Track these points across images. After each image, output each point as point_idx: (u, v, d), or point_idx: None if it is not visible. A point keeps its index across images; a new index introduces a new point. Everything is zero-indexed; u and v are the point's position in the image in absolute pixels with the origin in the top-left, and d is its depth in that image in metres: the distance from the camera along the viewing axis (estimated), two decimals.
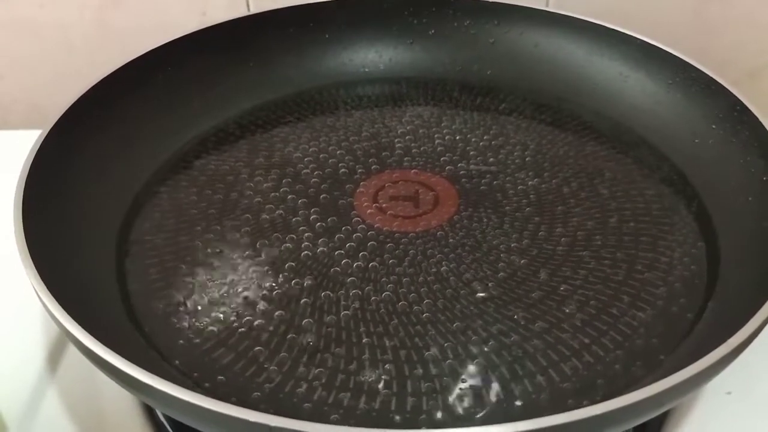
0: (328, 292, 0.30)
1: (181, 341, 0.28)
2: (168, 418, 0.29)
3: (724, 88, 0.36)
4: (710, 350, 0.23)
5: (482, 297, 0.30)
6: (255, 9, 0.48)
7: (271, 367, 0.27)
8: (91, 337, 0.23)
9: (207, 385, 0.26)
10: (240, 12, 0.48)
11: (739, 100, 0.35)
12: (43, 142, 0.32)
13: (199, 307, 0.29)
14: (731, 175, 0.34)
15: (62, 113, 0.34)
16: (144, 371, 0.22)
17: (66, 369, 0.32)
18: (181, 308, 0.29)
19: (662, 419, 0.30)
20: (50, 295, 0.25)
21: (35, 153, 0.31)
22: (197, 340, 0.28)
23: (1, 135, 0.51)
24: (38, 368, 0.32)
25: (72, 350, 0.32)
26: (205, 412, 0.21)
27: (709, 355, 0.22)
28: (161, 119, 0.38)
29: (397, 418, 0.25)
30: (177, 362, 0.27)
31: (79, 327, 0.24)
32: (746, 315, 0.25)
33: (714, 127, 0.37)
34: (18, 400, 0.30)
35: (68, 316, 0.24)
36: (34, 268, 0.26)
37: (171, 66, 0.39)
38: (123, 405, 0.30)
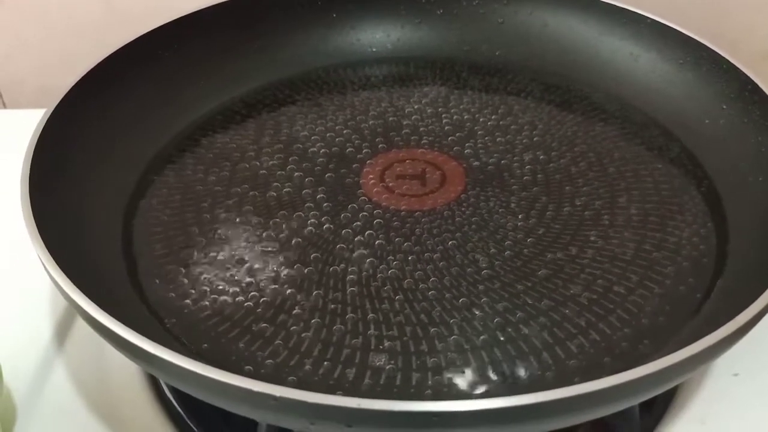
0: (334, 267, 0.30)
1: (187, 316, 0.28)
2: (173, 392, 0.30)
3: (736, 67, 0.36)
4: (718, 328, 0.23)
5: (488, 275, 0.30)
6: None
7: (277, 341, 0.27)
8: (98, 308, 0.23)
9: (213, 358, 0.26)
10: None
11: (751, 80, 0.35)
12: (48, 119, 0.31)
13: (205, 282, 0.29)
14: (742, 156, 0.34)
15: (67, 91, 0.34)
16: (150, 341, 0.22)
17: (73, 343, 0.32)
18: (188, 282, 0.29)
19: (669, 400, 0.30)
20: (58, 268, 0.25)
21: (41, 130, 0.31)
22: (203, 315, 0.28)
23: (9, 114, 0.51)
24: (46, 343, 0.32)
25: (79, 325, 0.32)
26: (210, 382, 0.21)
27: (715, 332, 0.22)
28: (167, 98, 0.38)
29: (402, 392, 0.25)
30: (183, 338, 0.27)
31: (87, 298, 0.24)
32: (754, 294, 0.25)
33: (725, 107, 0.36)
34: (26, 374, 0.31)
35: (76, 288, 0.24)
36: (42, 242, 0.26)
37: (177, 44, 0.39)
38: (130, 379, 0.30)
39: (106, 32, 0.49)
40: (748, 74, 0.35)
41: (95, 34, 0.50)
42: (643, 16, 0.41)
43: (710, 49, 0.38)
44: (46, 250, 0.26)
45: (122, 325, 0.22)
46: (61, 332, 0.33)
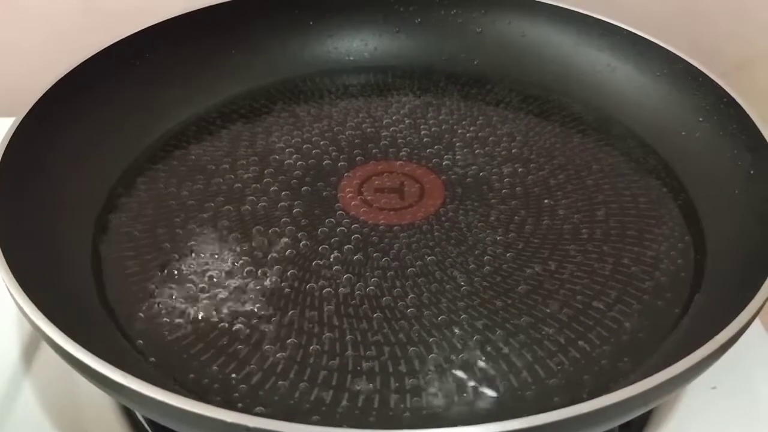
0: (311, 284, 0.29)
1: (158, 337, 0.27)
2: (146, 417, 0.29)
3: (712, 80, 0.36)
4: (696, 347, 0.23)
5: (467, 291, 0.29)
6: None
7: (251, 364, 0.26)
8: (65, 336, 0.23)
9: (184, 382, 0.26)
10: None
11: (727, 93, 0.35)
12: (15, 131, 0.31)
13: (177, 302, 0.29)
14: (718, 168, 0.34)
15: (36, 100, 0.33)
16: (119, 371, 0.21)
17: (41, 365, 0.31)
18: (159, 302, 0.29)
19: (647, 414, 0.30)
20: (23, 292, 0.24)
21: (8, 141, 0.30)
22: (175, 336, 0.27)
23: None
24: (12, 364, 0.31)
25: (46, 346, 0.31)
26: (182, 413, 0.20)
27: (694, 353, 0.22)
28: (139, 108, 0.37)
29: (381, 416, 0.25)
30: (153, 359, 0.26)
31: (53, 326, 0.23)
32: (732, 311, 0.25)
33: (701, 119, 0.36)
34: None
35: (42, 314, 0.23)
36: (5, 262, 0.25)
37: (150, 53, 0.38)
38: (100, 401, 0.29)
39: (85, 36, 0.48)
40: (725, 87, 0.35)
41: (74, 37, 0.48)
42: (620, 27, 0.41)
43: (686, 61, 0.38)
44: (10, 272, 0.25)
45: (88, 352, 0.22)
46: (29, 353, 0.32)
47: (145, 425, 0.28)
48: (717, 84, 0.36)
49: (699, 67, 0.37)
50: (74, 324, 0.24)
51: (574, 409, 0.20)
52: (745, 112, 0.34)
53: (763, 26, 0.49)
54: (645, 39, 0.40)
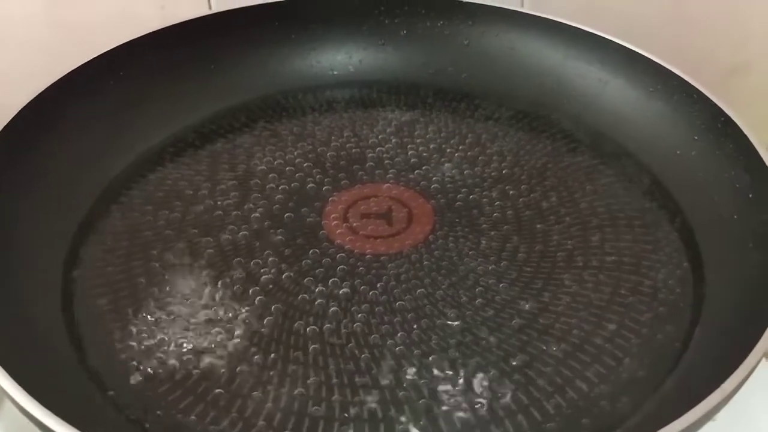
0: (295, 322, 0.28)
1: (133, 383, 0.26)
2: None
3: (707, 98, 0.35)
4: (698, 395, 0.22)
5: (459, 327, 0.28)
6: (216, 5, 0.45)
7: (233, 412, 0.25)
8: (31, 398, 0.21)
9: (165, 428, 0.24)
10: (201, 5, 0.45)
11: (723, 111, 0.34)
12: None
13: (154, 343, 0.27)
14: (715, 190, 0.33)
15: (2, 127, 0.31)
16: None
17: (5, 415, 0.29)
18: (134, 343, 0.27)
19: None
20: None
21: None
22: (151, 381, 0.26)
23: None
24: None
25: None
26: None
27: (698, 405, 0.21)
28: (112, 129, 0.36)
29: None
30: (128, 411, 0.25)
31: (17, 386, 0.21)
32: (733, 349, 0.24)
33: (697, 138, 0.35)
34: None
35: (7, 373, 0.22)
36: None
37: (124, 71, 0.37)
38: None
39: (51, 49, 0.46)
40: (721, 106, 0.34)
41: (39, 50, 0.46)
42: (611, 41, 0.40)
43: (680, 77, 0.37)
44: None
45: (54, 416, 0.20)
46: None
47: None
48: (713, 102, 0.35)
49: (694, 84, 0.36)
50: (40, 371, 0.22)
51: None
52: (743, 132, 0.33)
53: (754, 31, 0.48)
54: (637, 53, 0.39)
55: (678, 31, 0.48)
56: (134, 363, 0.26)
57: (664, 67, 0.37)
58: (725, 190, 0.33)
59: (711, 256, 0.31)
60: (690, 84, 0.36)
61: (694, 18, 0.47)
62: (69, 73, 0.34)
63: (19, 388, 0.21)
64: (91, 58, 0.35)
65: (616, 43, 0.39)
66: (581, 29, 0.40)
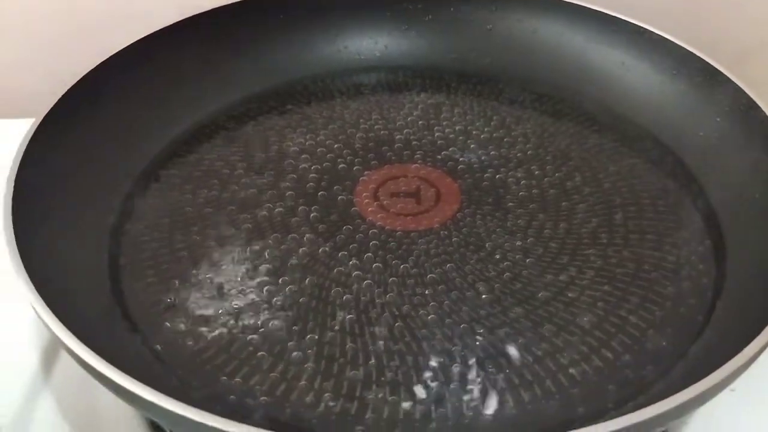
0: (331, 293, 0.29)
1: (178, 347, 0.27)
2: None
3: (731, 80, 0.36)
4: (720, 361, 0.23)
5: (488, 299, 0.29)
6: None
7: (274, 374, 0.26)
8: (88, 350, 0.22)
9: (207, 393, 0.25)
10: None
11: (746, 94, 0.35)
12: (29, 142, 0.30)
13: (198, 312, 0.28)
14: (737, 171, 0.34)
15: (48, 110, 0.32)
16: (143, 386, 0.21)
17: (60, 372, 0.31)
18: (180, 312, 0.28)
19: None
20: (44, 304, 0.24)
21: (23, 152, 0.30)
22: (197, 347, 0.27)
23: None
24: (32, 372, 0.31)
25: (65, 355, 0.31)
26: (206, 429, 0.20)
27: (718, 370, 0.22)
28: (149, 112, 0.37)
29: (406, 427, 0.25)
30: (173, 368, 0.26)
31: (74, 337, 0.23)
32: (753, 321, 0.25)
33: (719, 120, 0.36)
34: (11, 405, 0.29)
35: (63, 326, 0.23)
36: (25, 273, 0.25)
37: (159, 57, 0.38)
38: (118, 409, 0.29)
39: (71, 39, 0.47)
40: (744, 88, 0.35)
41: (61, 41, 0.48)
42: (634, 24, 0.40)
43: (703, 60, 0.37)
44: (31, 284, 0.25)
45: (113, 366, 0.22)
46: (48, 361, 0.31)
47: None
48: (736, 84, 0.35)
49: (716, 66, 0.37)
50: (94, 333, 0.24)
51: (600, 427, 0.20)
52: (765, 113, 0.33)
53: (760, 18, 0.49)
54: (659, 36, 0.39)
55: (695, 10, 0.48)
56: (179, 330, 0.28)
57: (686, 50, 0.38)
58: (747, 171, 0.34)
59: (732, 235, 0.32)
60: (712, 66, 0.37)
61: (704, 4, 0.48)
62: (108, 58, 0.36)
63: (83, 345, 0.22)
64: (129, 44, 0.36)
65: (638, 26, 0.40)
66: (603, 12, 0.41)
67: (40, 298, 0.24)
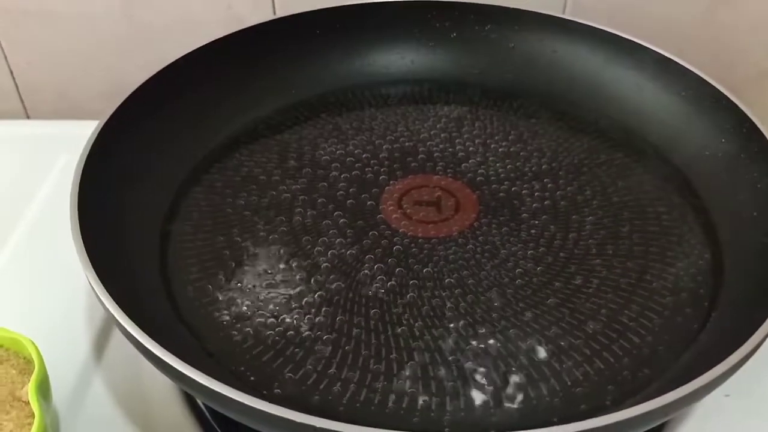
0: (358, 293, 0.32)
1: (222, 338, 0.30)
2: (208, 407, 0.32)
3: (734, 104, 0.38)
4: (711, 365, 0.25)
5: (501, 302, 0.32)
6: (280, 7, 0.50)
7: (307, 365, 0.29)
8: (140, 330, 0.26)
9: (247, 378, 0.29)
10: (264, 6, 0.50)
11: (748, 117, 0.37)
12: (95, 141, 0.34)
13: (238, 306, 0.32)
14: (739, 189, 0.36)
15: (110, 115, 0.36)
16: (197, 371, 0.24)
17: (112, 356, 0.34)
18: (222, 306, 0.32)
19: (661, 423, 0.32)
20: (108, 294, 0.27)
21: (88, 151, 0.33)
22: (238, 338, 0.30)
23: (33, 125, 0.53)
24: (86, 355, 0.34)
25: (117, 337, 0.35)
26: (253, 412, 0.23)
27: (708, 372, 0.24)
28: (193, 122, 0.40)
29: (424, 417, 0.27)
30: (216, 356, 0.29)
31: (130, 320, 0.26)
32: (745, 332, 0.27)
33: (723, 141, 0.38)
34: (66, 384, 0.33)
35: (122, 311, 0.26)
36: (91, 265, 0.28)
37: (202, 71, 0.41)
38: (166, 393, 0.32)
39: (126, 44, 0.51)
40: (746, 111, 0.37)
41: (116, 45, 0.51)
42: (648, 48, 0.43)
43: (710, 84, 0.40)
44: (96, 275, 0.28)
45: (168, 351, 0.25)
46: (100, 344, 0.35)
47: (208, 415, 0.31)
48: (739, 108, 0.38)
49: (722, 90, 0.39)
50: (149, 322, 0.27)
51: (600, 419, 0.23)
52: (765, 137, 0.36)
53: None
54: (671, 60, 0.42)
55: (711, 34, 0.50)
56: (224, 322, 0.31)
57: (695, 74, 0.40)
58: (748, 189, 0.36)
59: (730, 250, 0.34)
60: (719, 90, 0.39)
61: (728, 21, 0.50)
62: (158, 72, 0.39)
63: (140, 330, 0.25)
64: (172, 61, 0.40)
65: (652, 50, 0.42)
66: (620, 36, 0.44)
67: (104, 287, 0.27)
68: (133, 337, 0.26)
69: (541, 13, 0.45)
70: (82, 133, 0.34)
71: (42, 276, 0.38)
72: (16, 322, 0.31)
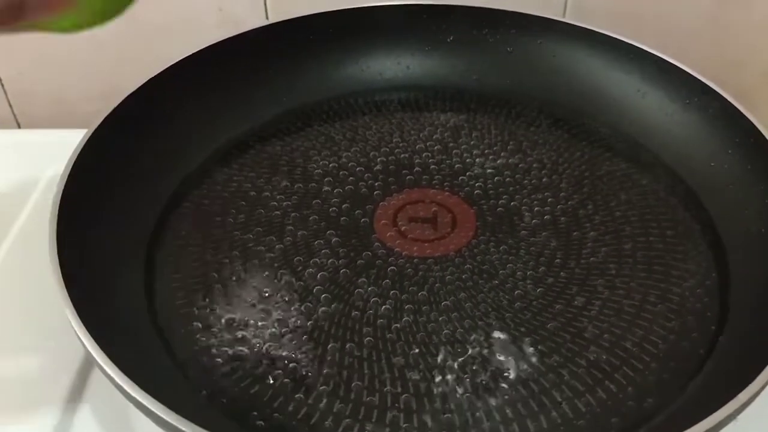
0: (351, 318, 0.31)
1: (206, 367, 0.29)
2: None
3: (741, 113, 0.37)
4: (719, 399, 0.24)
5: (499, 326, 0.31)
6: (273, 9, 0.48)
7: (298, 395, 0.28)
8: (126, 377, 0.24)
9: (236, 413, 0.27)
10: (257, 8, 0.48)
11: (756, 128, 0.36)
12: (77, 157, 0.32)
13: (223, 332, 0.30)
14: (746, 203, 0.35)
15: (94, 129, 0.34)
16: (182, 418, 0.23)
17: (94, 387, 0.33)
18: (206, 332, 0.30)
19: None
20: (82, 325, 0.26)
21: (72, 163, 0.32)
22: (225, 369, 0.29)
23: (24, 134, 0.51)
24: (67, 387, 0.33)
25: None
26: None
27: (716, 412, 0.23)
28: (182, 132, 0.39)
29: None
30: (204, 390, 0.28)
31: (113, 365, 0.25)
32: (754, 360, 0.26)
33: (730, 152, 0.37)
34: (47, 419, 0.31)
35: (100, 350, 0.25)
36: (69, 299, 0.27)
37: (191, 79, 0.40)
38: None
39: (125, 47, 0.49)
40: (754, 121, 0.36)
41: (115, 49, 0.50)
42: (650, 53, 0.41)
43: (717, 92, 0.38)
44: (74, 309, 0.27)
45: (154, 399, 0.24)
46: (82, 376, 0.33)
47: None
48: (746, 117, 0.36)
49: (729, 99, 0.38)
50: (125, 350, 0.26)
51: None
52: None
53: None
54: (675, 66, 0.40)
55: (716, 34, 0.49)
56: (208, 350, 0.30)
57: (700, 81, 0.39)
58: (755, 204, 0.35)
59: (738, 269, 0.33)
60: (725, 98, 0.38)
61: (734, 21, 0.49)
62: (147, 81, 0.37)
63: (124, 375, 0.24)
64: (165, 67, 0.38)
65: (654, 55, 0.41)
66: (621, 40, 0.42)
67: (81, 322, 0.26)
68: (120, 385, 0.25)
69: (539, 17, 0.44)
70: (73, 141, 0.33)
71: (29, 291, 0.37)
72: None
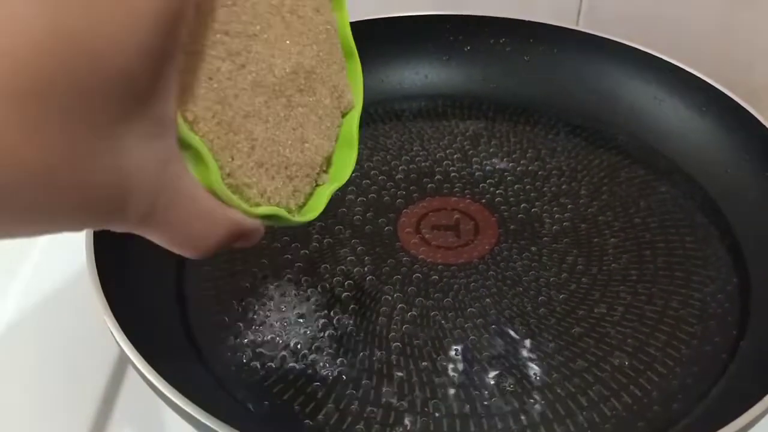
0: (379, 325, 0.32)
1: (238, 373, 0.30)
2: None
3: (757, 120, 0.37)
4: (744, 402, 0.25)
5: (524, 332, 0.31)
6: None
7: (329, 404, 0.29)
8: (164, 380, 0.25)
9: (272, 420, 0.28)
10: None
11: None
12: None
13: (256, 341, 0.31)
14: (764, 209, 0.36)
15: None
16: (210, 415, 0.24)
17: (127, 392, 0.34)
18: (238, 340, 0.31)
19: None
20: (122, 331, 0.27)
21: None
22: (257, 376, 0.30)
23: None
24: (102, 388, 0.34)
25: (132, 374, 0.34)
26: None
27: (743, 415, 0.24)
28: None
29: None
30: (239, 395, 0.29)
31: (150, 367, 0.25)
32: None
33: (747, 158, 0.38)
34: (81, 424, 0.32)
35: (138, 353, 0.26)
36: (107, 304, 0.28)
37: None
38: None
39: None
40: None
41: None
42: (666, 61, 0.42)
43: (732, 99, 0.39)
44: (113, 316, 0.27)
45: (180, 394, 0.24)
46: (116, 378, 0.34)
47: None
48: (762, 124, 0.37)
49: (744, 105, 0.38)
50: (161, 358, 0.27)
51: None
52: None
53: None
54: (691, 74, 0.41)
55: (730, 37, 0.49)
56: (243, 358, 0.30)
57: (716, 88, 0.40)
58: None
59: (758, 274, 0.34)
60: (741, 105, 0.38)
61: (747, 24, 0.49)
62: None
63: (154, 372, 0.25)
64: None
65: (670, 63, 0.42)
66: (637, 49, 0.43)
67: (120, 329, 0.27)
68: (152, 382, 0.25)
69: (555, 26, 0.45)
70: None
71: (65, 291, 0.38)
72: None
